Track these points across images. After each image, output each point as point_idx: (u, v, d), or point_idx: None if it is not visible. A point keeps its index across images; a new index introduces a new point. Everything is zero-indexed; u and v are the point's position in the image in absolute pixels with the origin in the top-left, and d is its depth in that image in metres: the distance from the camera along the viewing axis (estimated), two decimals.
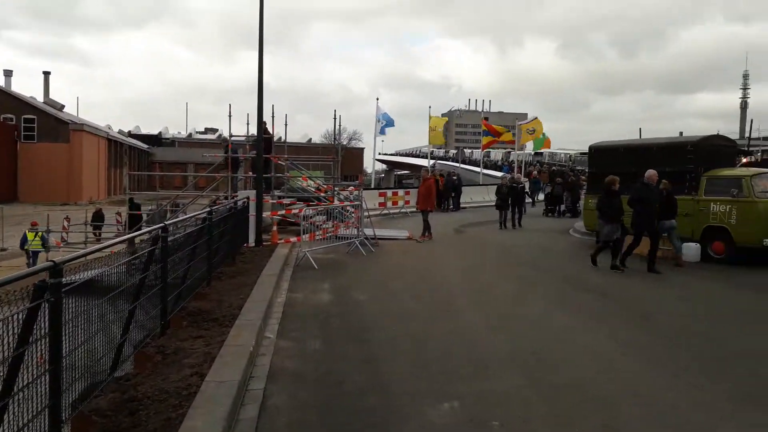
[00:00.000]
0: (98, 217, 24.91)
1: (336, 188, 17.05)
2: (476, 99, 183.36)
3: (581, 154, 46.10)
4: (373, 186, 35.13)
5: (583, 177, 25.63)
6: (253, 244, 12.86)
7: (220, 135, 63.36)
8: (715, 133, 15.31)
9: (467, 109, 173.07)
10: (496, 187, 20.16)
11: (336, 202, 15.46)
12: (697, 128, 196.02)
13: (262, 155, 13.55)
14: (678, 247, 11.83)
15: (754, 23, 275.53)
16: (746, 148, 24.23)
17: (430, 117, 33.23)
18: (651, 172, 10.99)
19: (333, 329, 6.85)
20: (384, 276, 10.40)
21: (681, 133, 23.98)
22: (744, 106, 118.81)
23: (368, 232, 14.25)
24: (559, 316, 7.52)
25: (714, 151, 13.31)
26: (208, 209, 9.26)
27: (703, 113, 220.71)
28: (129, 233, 13.31)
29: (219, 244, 9.08)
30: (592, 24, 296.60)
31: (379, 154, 78.49)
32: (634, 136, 24.97)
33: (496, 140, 36.05)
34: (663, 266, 11.20)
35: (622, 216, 10.73)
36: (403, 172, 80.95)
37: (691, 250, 12.39)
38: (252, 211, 13.10)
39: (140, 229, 15.69)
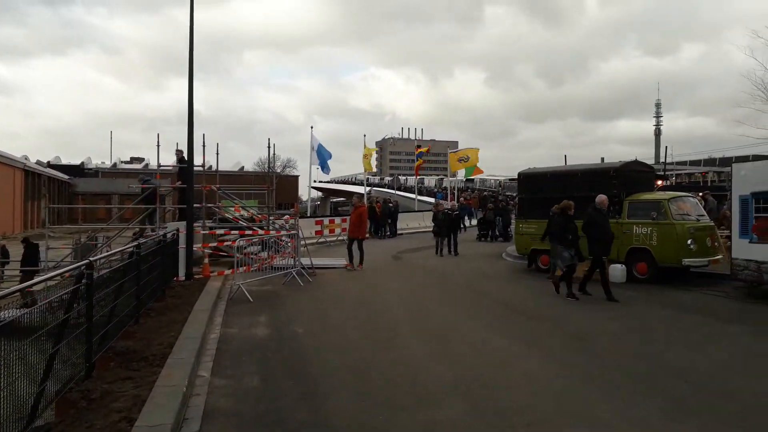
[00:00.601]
0: (2, 254, 23.10)
1: (271, 217, 16.75)
2: (409, 127, 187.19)
3: (510, 179, 47.78)
4: (309, 214, 34.80)
5: (513, 202, 26.55)
6: (184, 278, 12.37)
7: (147, 165, 61.19)
8: (634, 159, 16.14)
9: (400, 137, 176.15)
10: (432, 213, 20.47)
11: (271, 232, 15.18)
12: (617, 153, 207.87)
13: (192, 186, 13.16)
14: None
15: (666, 56, 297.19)
16: (662, 173, 25.82)
17: (365, 145, 33.50)
18: (602, 198, 10.99)
19: (271, 365, 6.63)
20: (323, 307, 10.23)
21: (602, 159, 25.24)
22: (658, 132, 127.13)
23: (305, 261, 14.06)
24: (498, 341, 7.62)
25: (634, 176, 14.07)
26: (136, 243, 8.84)
27: (622, 139, 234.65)
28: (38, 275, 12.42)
29: (148, 278, 8.67)
30: (519, 55, 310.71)
31: (315, 181, 78.25)
32: (560, 162, 26.06)
33: (420, 162, 36.90)
34: (590, 286, 11.63)
35: (578, 240, 10.69)
36: (339, 199, 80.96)
37: (617, 271, 12.95)
38: (182, 244, 12.64)
39: (36, 269, 14.76)
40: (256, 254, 13.27)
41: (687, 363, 6.49)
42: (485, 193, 42.80)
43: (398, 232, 27.15)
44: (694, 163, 60.17)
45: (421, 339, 7.75)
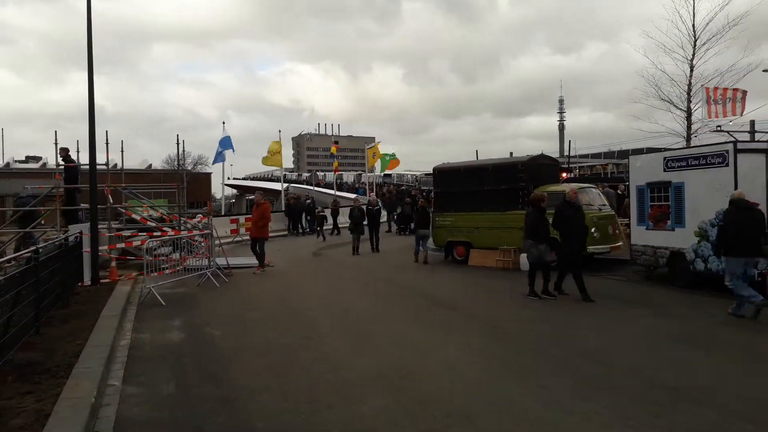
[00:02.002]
0: None
1: (182, 217, 16.12)
2: (326, 123, 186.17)
3: (426, 174, 48.68)
4: (223, 212, 33.81)
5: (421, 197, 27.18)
6: (90, 283, 11.65)
7: (45, 164, 57.01)
8: (540, 153, 16.95)
9: (317, 133, 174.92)
10: (348, 210, 19.83)
11: (183, 232, 14.61)
12: (525, 148, 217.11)
13: (96, 186, 12.40)
14: (425, 249, 15.35)
15: (572, 54, 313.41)
16: (566, 165, 27.24)
17: (279, 140, 32.92)
18: (571, 188, 10.37)
19: (187, 370, 6.38)
20: (240, 307, 9.97)
21: (511, 154, 26.34)
22: (561, 127, 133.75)
23: (220, 261, 13.65)
24: (419, 332, 7.75)
25: (540, 169, 14.76)
26: (33, 247, 8.20)
27: (531, 134, 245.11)
28: None
29: (48, 285, 8.08)
30: (435, 52, 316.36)
31: (229, 178, 76.22)
32: (473, 156, 26.91)
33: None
34: (498, 273, 12.12)
35: (547, 234, 10.03)
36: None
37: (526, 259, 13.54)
38: (86, 247, 11.89)
39: None
40: (167, 256, 12.73)
41: (595, 344, 6.89)
42: (402, 188, 43.35)
43: (317, 228, 26.96)
44: (596, 156, 63.97)
45: (342, 335, 7.74)
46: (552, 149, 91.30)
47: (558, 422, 4.53)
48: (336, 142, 43.93)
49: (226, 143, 27.52)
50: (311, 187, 50.03)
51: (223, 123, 28.85)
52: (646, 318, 8.31)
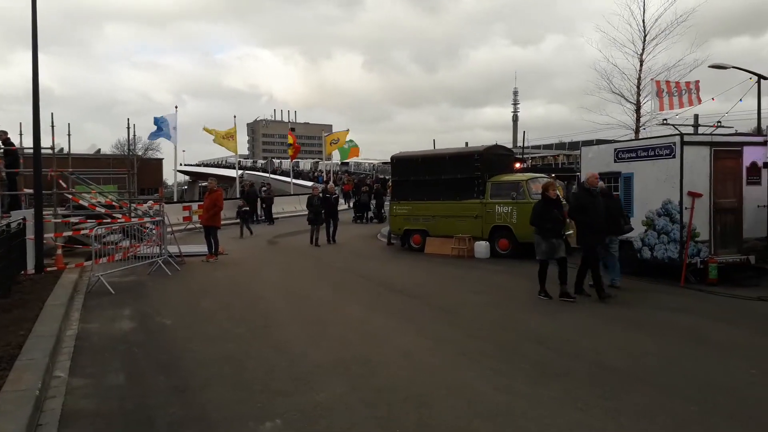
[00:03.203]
0: None
1: (132, 203, 15.63)
2: (282, 109, 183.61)
3: (384, 163, 48.73)
4: (175, 199, 32.99)
5: (375, 185, 27.23)
6: (33, 272, 11.19)
7: None
8: (495, 144, 17.18)
9: (273, 119, 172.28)
10: (306, 198, 18.36)
11: (133, 219, 14.19)
12: (482, 138, 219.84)
13: (40, 170, 11.87)
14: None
15: (530, 46, 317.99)
16: (520, 156, 27.73)
17: (234, 126, 32.26)
18: (592, 175, 9.12)
19: (137, 360, 6.21)
20: (193, 296, 9.77)
21: (467, 144, 26.58)
22: (515, 119, 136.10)
23: (172, 249, 13.33)
24: (376, 319, 7.77)
25: (495, 159, 14.98)
26: None
27: (488, 125, 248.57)
28: None
29: None
30: (396, 40, 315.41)
31: (181, 164, 74.38)
32: (430, 146, 27.07)
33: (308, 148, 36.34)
34: (454, 261, 12.29)
35: (564, 228, 8.92)
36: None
37: (481, 247, 13.80)
38: (30, 234, 11.40)
39: None
40: (117, 243, 12.34)
41: (546, 330, 7.07)
42: (360, 176, 43.29)
43: (274, 216, 26.66)
44: (548, 146, 65.42)
45: (299, 323, 7.69)
46: (507, 140, 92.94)
47: (511, 406, 4.62)
48: (292, 129, 43.41)
49: (163, 122, 26.82)
50: (267, 174, 49.37)
51: (176, 107, 28.00)
52: (595, 303, 8.57)
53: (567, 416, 4.39)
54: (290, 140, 35.81)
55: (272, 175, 48.43)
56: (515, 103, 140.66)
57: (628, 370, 5.48)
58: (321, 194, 17.66)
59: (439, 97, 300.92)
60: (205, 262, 13.44)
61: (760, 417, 4.34)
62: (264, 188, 27.35)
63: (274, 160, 60.96)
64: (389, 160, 17.63)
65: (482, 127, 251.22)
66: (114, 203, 16.24)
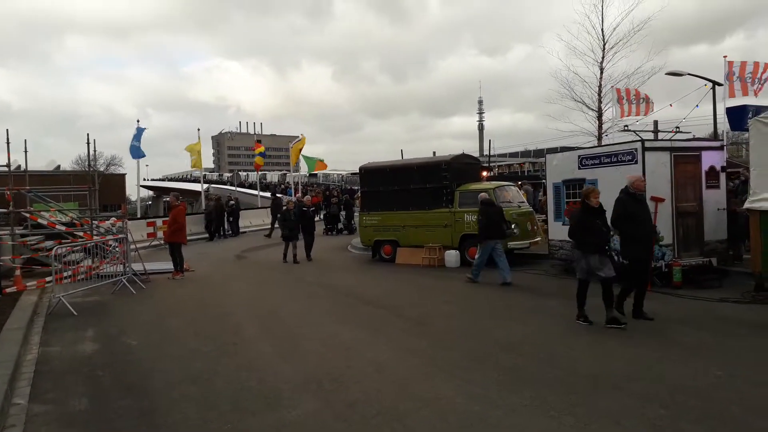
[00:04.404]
0: None
1: (94, 221, 15.22)
2: (249, 121, 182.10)
3: (353, 174, 48.71)
4: (139, 215, 32.29)
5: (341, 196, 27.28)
6: None
7: None
8: (462, 153, 17.33)
9: (238, 131, 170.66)
10: (280, 213, 17.07)
11: (95, 237, 13.81)
12: (450, 147, 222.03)
13: None
14: None
15: (498, 55, 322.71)
16: (487, 164, 28.05)
17: (198, 139, 31.81)
18: (637, 178, 7.86)
19: (102, 383, 6.01)
20: (159, 314, 9.53)
21: (434, 153, 26.76)
22: (481, 128, 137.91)
23: (137, 267, 13.01)
24: (347, 333, 7.69)
25: (463, 167, 15.11)
26: None
27: (456, 134, 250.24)
28: None
29: None
30: (365, 51, 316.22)
31: (145, 179, 73.02)
32: (399, 156, 27.16)
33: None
34: (425, 271, 12.30)
35: (608, 243, 7.53)
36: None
37: (451, 256, 13.85)
38: None
39: None
40: (79, 262, 11.98)
41: (517, 337, 7.10)
42: (329, 188, 43.13)
43: (241, 230, 26.33)
44: (513, 154, 66.44)
45: (269, 339, 7.56)
46: (474, 149, 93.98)
47: (485, 415, 4.61)
48: (258, 141, 43.07)
49: (138, 136, 26.48)
50: (233, 188, 48.80)
51: (138, 121, 27.46)
52: (564, 309, 8.64)
53: (540, 424, 4.40)
54: (257, 150, 35.52)
55: (239, 188, 47.85)
56: (480, 113, 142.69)
57: (598, 375, 5.54)
58: (296, 208, 16.27)
59: (409, 107, 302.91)
60: (171, 280, 13.15)
61: (727, 418, 4.42)
62: (231, 202, 26.96)
63: (240, 172, 60.23)
64: (358, 171, 17.61)
65: (451, 136, 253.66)
66: (75, 221, 15.78)
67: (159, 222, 23.13)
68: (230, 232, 25.88)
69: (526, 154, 64.68)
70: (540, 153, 46.04)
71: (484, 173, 21.50)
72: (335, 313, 9.13)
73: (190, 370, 6.24)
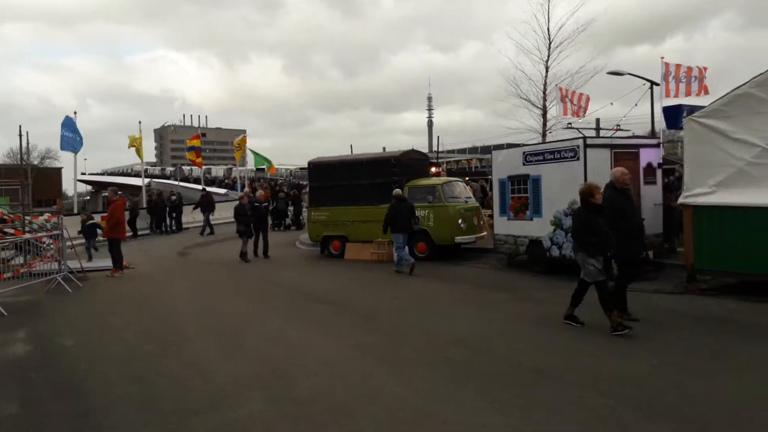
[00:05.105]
0: None
1: (27, 217, 14.46)
2: (195, 114, 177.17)
3: (301, 169, 48.23)
4: (76, 211, 30.91)
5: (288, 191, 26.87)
6: None
7: None
8: (411, 148, 17.41)
9: (182, 124, 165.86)
10: (234, 208, 15.90)
11: (27, 234, 13.12)
12: (401, 143, 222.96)
13: None
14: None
15: (450, 52, 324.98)
16: (436, 160, 28.30)
17: (139, 132, 30.69)
18: (621, 171, 7.39)
19: (35, 386, 5.71)
20: (97, 313, 9.15)
21: (384, 148, 26.80)
22: (430, 124, 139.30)
23: (73, 264, 12.46)
24: (295, 330, 7.59)
25: (412, 163, 15.18)
26: None
27: (408, 130, 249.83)
28: None
29: None
30: (317, 45, 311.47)
31: (83, 174, 69.98)
32: (351, 150, 27.03)
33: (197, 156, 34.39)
34: (374, 266, 12.32)
35: (612, 243, 6.89)
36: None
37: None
38: None
39: None
40: (9, 260, 11.36)
41: (464, 331, 7.18)
42: (276, 183, 42.57)
43: (184, 226, 25.62)
44: (461, 151, 67.28)
45: (214, 337, 7.37)
46: (425, 145, 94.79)
47: (432, 410, 4.64)
48: (203, 135, 42.01)
49: (70, 125, 24.85)
50: (176, 182, 47.43)
51: (75, 113, 26.14)
52: (509, 303, 8.85)
53: (485, 417, 4.46)
54: (189, 143, 33.77)
55: (182, 183, 46.55)
56: (430, 109, 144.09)
57: (541, 367, 5.66)
58: (249, 203, 15.40)
59: (360, 102, 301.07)
60: (109, 277, 12.65)
61: (662, 405, 4.60)
62: (173, 197, 26.18)
63: (183, 167, 58.48)
64: (306, 166, 17.41)
65: (402, 131, 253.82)
66: (6, 216, 14.96)
67: (97, 218, 22.23)
68: (173, 228, 25.16)
69: (474, 150, 65.63)
70: (487, 149, 46.82)
71: (433, 169, 21.70)
72: (282, 310, 9.00)
73: (129, 370, 6.01)
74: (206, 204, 24.15)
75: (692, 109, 11.39)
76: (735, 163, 8.41)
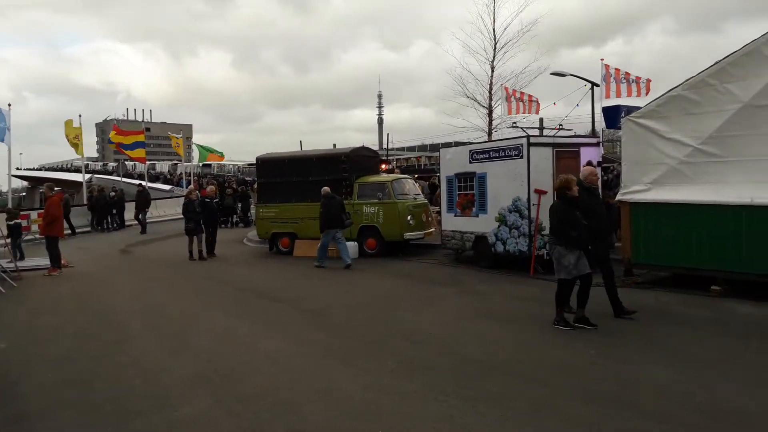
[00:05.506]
0: None
1: None
2: (138, 108, 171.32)
3: (249, 165, 47.43)
4: (10, 207, 29.39)
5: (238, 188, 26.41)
6: None
7: None
8: (362, 145, 17.43)
9: (125, 118, 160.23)
10: (182, 204, 15.26)
11: None
12: (351, 140, 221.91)
13: None
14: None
15: (400, 51, 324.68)
16: (385, 157, 28.42)
17: (79, 125, 29.39)
18: (589, 171, 7.48)
19: None
20: (33, 313, 8.77)
21: (335, 145, 26.72)
22: (380, 121, 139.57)
23: (5, 263, 11.88)
24: (241, 327, 7.50)
25: (362, 160, 15.20)
26: None
27: (359, 127, 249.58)
28: None
29: None
30: (267, 40, 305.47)
31: (18, 169, 66.73)
32: (299, 147, 26.83)
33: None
34: (327, 263, 12.30)
35: (591, 236, 6.81)
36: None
37: (350, 248, 13.89)
38: None
39: None
40: None
41: (411, 325, 7.27)
42: (223, 179, 41.78)
43: (126, 223, 24.80)
44: (411, 148, 67.83)
45: (157, 337, 7.19)
46: (375, 142, 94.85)
47: (379, 403, 4.68)
48: (147, 129, 40.76)
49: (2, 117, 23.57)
50: (119, 179, 45.87)
51: (9, 105, 24.80)
52: (455, 297, 9.00)
53: (430, 409, 4.53)
54: (134, 140, 32.26)
55: (125, 179, 45.03)
56: (380, 107, 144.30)
57: (485, 359, 5.79)
58: (198, 200, 14.91)
59: (311, 99, 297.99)
60: (46, 276, 12.13)
61: (600, 393, 4.79)
62: (112, 193, 25.27)
63: (126, 162, 56.55)
64: (255, 162, 17.15)
65: (353, 129, 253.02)
66: None
67: (34, 214, 21.25)
68: (116, 225, 24.33)
69: (423, 148, 66.25)
70: (436, 147, 47.36)
71: (384, 166, 21.79)
72: (229, 308, 8.86)
73: (67, 372, 5.79)
74: (142, 201, 23.38)
75: (630, 109, 11.87)
76: (669, 161, 8.82)
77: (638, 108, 10.05)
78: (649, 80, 16.67)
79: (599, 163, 11.21)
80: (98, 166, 73.20)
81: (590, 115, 18.90)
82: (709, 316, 7.32)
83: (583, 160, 10.94)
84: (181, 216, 15.01)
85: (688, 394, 4.67)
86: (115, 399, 4.98)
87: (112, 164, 71.62)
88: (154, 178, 51.77)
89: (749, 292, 7.92)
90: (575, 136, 13.87)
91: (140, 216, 22.94)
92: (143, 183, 29.81)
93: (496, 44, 21.80)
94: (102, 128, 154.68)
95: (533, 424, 4.20)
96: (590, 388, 4.87)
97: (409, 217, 13.60)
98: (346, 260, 12.26)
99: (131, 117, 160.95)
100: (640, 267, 9.51)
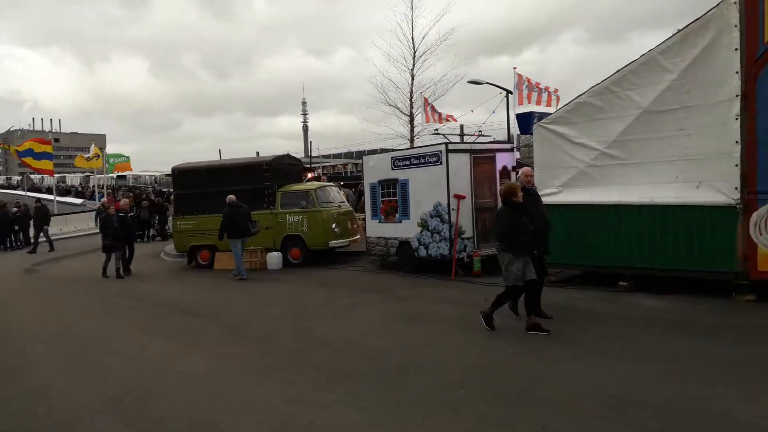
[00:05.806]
0: None
1: None
2: (45, 118, 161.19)
3: (167, 175, 45.72)
4: None
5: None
6: None
7: None
8: (285, 153, 17.23)
9: (31, 128, 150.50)
10: (100, 219, 14.24)
11: None
12: (275, 147, 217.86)
13: None
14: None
15: (324, 57, 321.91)
16: (309, 165, 28.25)
17: None
18: (526, 171, 7.70)
19: None
20: None
21: (258, 153, 26.24)
22: (305, 129, 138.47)
23: None
24: (157, 345, 7.17)
25: (285, 168, 15.00)
26: None
27: (284, 134, 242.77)
28: None
29: None
30: (185, 45, 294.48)
31: None
32: (217, 155, 26.13)
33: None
34: (250, 275, 12.03)
35: (531, 242, 6.77)
36: None
37: (273, 259, 13.71)
38: None
39: None
40: None
41: (335, 334, 7.21)
42: (137, 190, 40.06)
43: (39, 240, 23.21)
44: (337, 156, 67.77)
45: (64, 359, 6.76)
46: (301, 149, 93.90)
47: (300, 415, 4.60)
48: (56, 140, 38.47)
49: None
50: (23, 193, 42.94)
51: None
52: (379, 303, 9.03)
53: (352, 417, 4.51)
54: (42, 149, 30.22)
55: (30, 193, 42.19)
56: (305, 114, 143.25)
57: (406, 363, 5.83)
58: (116, 214, 13.60)
59: (233, 106, 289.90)
60: None
61: (516, 390, 4.93)
62: (15, 209, 23.60)
63: (32, 175, 53.06)
64: (171, 172, 16.55)
65: (278, 136, 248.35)
66: None
67: None
68: (19, 243, 22.73)
69: (349, 155, 66.34)
70: (361, 154, 47.61)
71: (309, 174, 21.62)
72: (144, 325, 8.47)
73: None
74: (41, 218, 21.73)
75: (542, 116, 12.39)
76: (577, 165, 9.26)
77: (549, 114, 10.52)
78: (556, 89, 17.53)
79: (514, 168, 11.63)
80: (1, 180, 68.30)
81: (506, 122, 19.60)
82: (617, 311, 7.72)
83: (499, 165, 11.33)
84: (95, 231, 14.20)
85: (598, 387, 4.89)
86: (15, 427, 4.66)
87: (16, 178, 66.97)
88: (65, 191, 48.90)
89: (654, 286, 8.44)
90: (492, 142, 14.34)
91: (40, 234, 21.27)
92: (40, 198, 28.00)
93: (415, 53, 22.24)
94: (5, 139, 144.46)
95: (454, 425, 4.26)
96: (507, 386, 5.01)
97: (334, 225, 13.55)
98: (241, 270, 12.31)
99: (38, 127, 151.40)
100: (553, 266, 9.90)
